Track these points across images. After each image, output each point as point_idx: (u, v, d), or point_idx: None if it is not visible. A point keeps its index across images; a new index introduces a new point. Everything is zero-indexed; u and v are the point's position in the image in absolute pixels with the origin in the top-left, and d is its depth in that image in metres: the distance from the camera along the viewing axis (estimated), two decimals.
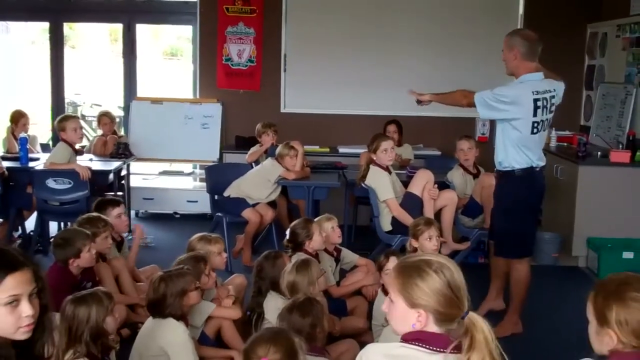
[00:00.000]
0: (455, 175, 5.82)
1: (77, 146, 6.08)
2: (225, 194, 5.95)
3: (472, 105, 4.30)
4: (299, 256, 4.07)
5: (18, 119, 6.76)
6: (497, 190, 4.51)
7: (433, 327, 1.98)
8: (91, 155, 6.66)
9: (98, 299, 2.99)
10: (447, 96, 4.49)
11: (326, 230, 4.58)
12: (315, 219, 4.60)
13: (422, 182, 5.34)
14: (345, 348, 3.65)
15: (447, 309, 1.95)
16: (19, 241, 6.12)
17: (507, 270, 4.68)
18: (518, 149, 4.28)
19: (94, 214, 4.49)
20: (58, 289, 3.47)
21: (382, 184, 5.35)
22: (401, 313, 2.02)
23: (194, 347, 3.38)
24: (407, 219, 5.12)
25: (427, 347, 1.94)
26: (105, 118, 7.11)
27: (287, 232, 4.44)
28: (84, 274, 4.01)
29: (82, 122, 7.01)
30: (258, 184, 5.90)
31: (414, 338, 1.97)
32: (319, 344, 3.14)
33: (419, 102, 4.62)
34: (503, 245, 4.54)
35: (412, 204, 5.31)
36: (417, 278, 1.99)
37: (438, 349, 1.93)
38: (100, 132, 7.19)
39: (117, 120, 7.84)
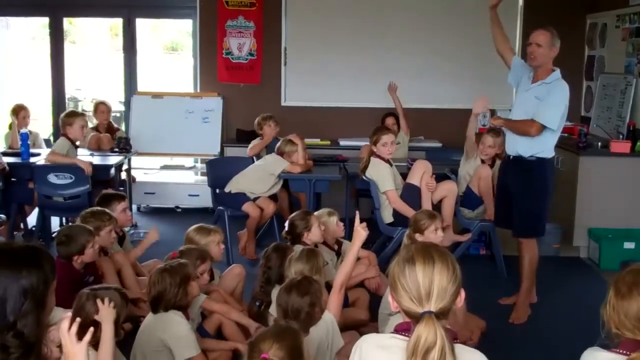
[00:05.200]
0: (474, 162, 5.82)
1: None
2: (226, 189, 5.95)
3: (541, 130, 4.53)
4: (298, 248, 4.08)
5: (18, 111, 6.79)
6: (528, 177, 4.66)
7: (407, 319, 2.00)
8: (92, 150, 6.68)
9: (117, 299, 2.95)
10: (515, 126, 4.66)
11: (331, 226, 4.59)
12: (316, 213, 4.61)
13: (420, 172, 5.38)
14: (347, 340, 3.65)
15: (406, 303, 1.96)
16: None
17: None
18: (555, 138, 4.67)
19: (99, 207, 4.50)
20: (60, 284, 3.49)
21: (382, 176, 5.36)
22: (388, 298, 2.08)
23: (196, 339, 3.39)
24: (406, 210, 5.15)
25: (408, 335, 1.95)
26: (102, 106, 7.19)
27: (286, 223, 4.45)
28: (87, 268, 4.02)
29: None
30: (260, 179, 5.91)
31: (404, 329, 2.00)
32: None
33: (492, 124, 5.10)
34: (529, 224, 4.73)
35: (411, 194, 5.34)
36: (394, 260, 2.04)
37: None
38: (95, 121, 7.26)
39: (117, 115, 7.85)
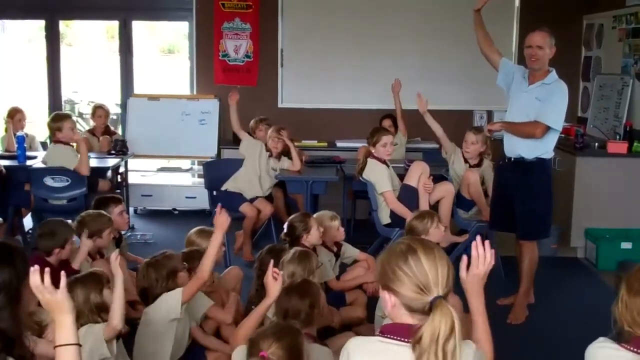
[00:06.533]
0: (457, 161, 5.82)
1: None
2: (223, 187, 5.97)
3: (546, 131, 4.51)
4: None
5: (13, 114, 6.78)
6: (531, 179, 4.63)
7: (406, 316, 1.98)
8: (89, 153, 6.66)
9: (97, 278, 3.06)
10: (518, 128, 4.61)
11: (332, 230, 4.59)
12: (315, 215, 4.59)
13: (417, 173, 5.37)
14: (345, 341, 3.65)
15: (410, 295, 1.95)
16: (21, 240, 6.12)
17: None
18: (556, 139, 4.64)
19: (98, 210, 4.50)
20: None
21: (380, 177, 5.36)
22: (382, 297, 2.06)
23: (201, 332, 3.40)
24: (403, 212, 5.14)
25: (398, 338, 1.94)
26: (100, 110, 7.16)
27: (285, 225, 4.45)
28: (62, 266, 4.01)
29: (79, 120, 7.08)
30: (252, 177, 5.94)
31: (389, 330, 1.98)
32: (315, 326, 3.13)
33: (489, 131, 4.95)
34: (535, 226, 4.72)
35: (409, 195, 5.34)
36: (384, 256, 2.04)
37: (406, 340, 1.93)
38: (93, 124, 7.26)
39: (114, 117, 7.84)
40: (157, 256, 3.51)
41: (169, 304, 3.32)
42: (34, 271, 2.02)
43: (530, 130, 4.51)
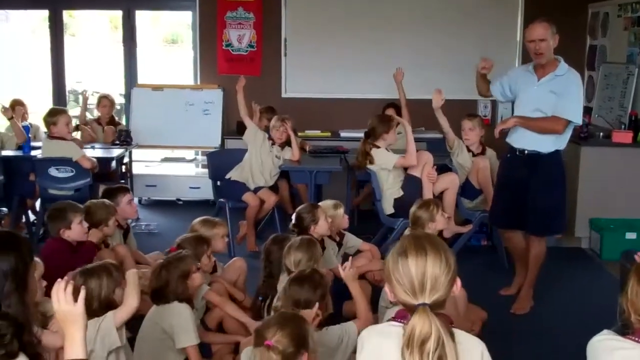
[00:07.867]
0: (462, 155, 5.80)
1: None
2: (227, 176, 6.00)
3: (567, 125, 4.42)
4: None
5: (15, 107, 6.77)
6: (548, 172, 4.52)
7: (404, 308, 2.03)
8: (94, 143, 6.68)
9: (108, 270, 3.04)
10: (537, 124, 4.45)
11: (337, 218, 4.59)
12: (320, 203, 4.59)
13: (421, 163, 5.37)
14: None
15: (401, 296, 1.98)
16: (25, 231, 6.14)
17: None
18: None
19: (101, 200, 4.52)
20: (59, 258, 3.70)
21: (386, 157, 5.38)
22: (385, 289, 2.10)
23: (197, 329, 3.40)
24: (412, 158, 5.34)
25: (404, 322, 1.97)
26: (104, 100, 7.20)
27: (293, 216, 4.44)
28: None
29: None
30: (255, 166, 5.95)
31: (401, 316, 2.02)
32: (323, 315, 3.14)
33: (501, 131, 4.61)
34: (546, 222, 4.61)
35: (413, 185, 5.34)
36: (389, 253, 2.06)
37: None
38: (97, 114, 7.28)
39: (118, 107, 7.84)
40: (169, 258, 3.50)
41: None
42: (60, 281, 2.00)
43: (551, 126, 4.38)
